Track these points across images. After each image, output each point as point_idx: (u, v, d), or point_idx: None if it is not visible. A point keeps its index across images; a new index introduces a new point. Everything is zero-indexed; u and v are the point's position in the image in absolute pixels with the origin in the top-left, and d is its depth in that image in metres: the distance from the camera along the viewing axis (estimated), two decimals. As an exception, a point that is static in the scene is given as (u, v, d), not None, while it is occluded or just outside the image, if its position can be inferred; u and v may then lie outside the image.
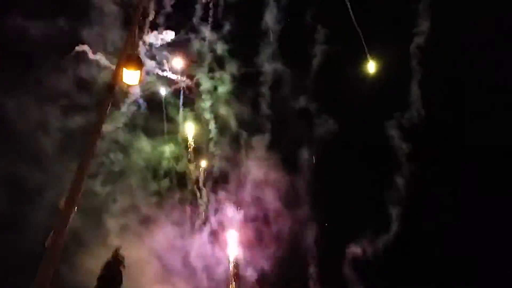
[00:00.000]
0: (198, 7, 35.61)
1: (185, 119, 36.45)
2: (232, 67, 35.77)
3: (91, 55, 30.61)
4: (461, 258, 29.66)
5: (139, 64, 11.84)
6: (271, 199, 33.52)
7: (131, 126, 33.27)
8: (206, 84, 35.92)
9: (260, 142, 34.73)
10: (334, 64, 33.08)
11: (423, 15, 30.28)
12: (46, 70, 29.33)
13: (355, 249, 31.87)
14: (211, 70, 36.10)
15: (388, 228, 31.47)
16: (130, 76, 11.93)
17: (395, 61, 31.76)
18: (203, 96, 35.80)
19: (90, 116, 25.10)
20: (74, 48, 31.14)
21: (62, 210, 9.19)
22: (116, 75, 12.08)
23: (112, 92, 12.06)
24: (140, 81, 12.29)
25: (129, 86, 12.96)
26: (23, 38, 28.92)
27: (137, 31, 12.11)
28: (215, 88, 35.94)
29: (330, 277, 32.42)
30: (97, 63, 30.40)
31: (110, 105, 11.73)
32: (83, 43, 31.19)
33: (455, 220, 30.00)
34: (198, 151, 36.53)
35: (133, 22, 12.08)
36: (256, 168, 34.19)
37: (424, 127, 31.08)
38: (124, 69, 11.89)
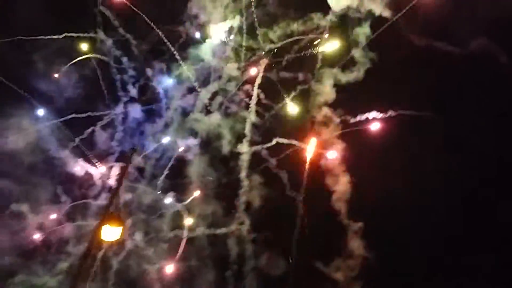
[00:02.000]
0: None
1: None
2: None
3: (29, 216, 30.18)
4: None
5: (120, 222, 13.15)
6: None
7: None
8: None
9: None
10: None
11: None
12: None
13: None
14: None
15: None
16: (111, 233, 13.08)
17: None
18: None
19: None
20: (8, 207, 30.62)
21: None
22: (96, 233, 13.15)
23: (90, 254, 12.96)
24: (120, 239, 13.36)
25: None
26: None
27: (119, 193, 13.73)
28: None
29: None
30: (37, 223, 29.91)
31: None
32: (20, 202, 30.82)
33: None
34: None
35: (118, 183, 13.78)
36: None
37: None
38: (105, 227, 13.07)
